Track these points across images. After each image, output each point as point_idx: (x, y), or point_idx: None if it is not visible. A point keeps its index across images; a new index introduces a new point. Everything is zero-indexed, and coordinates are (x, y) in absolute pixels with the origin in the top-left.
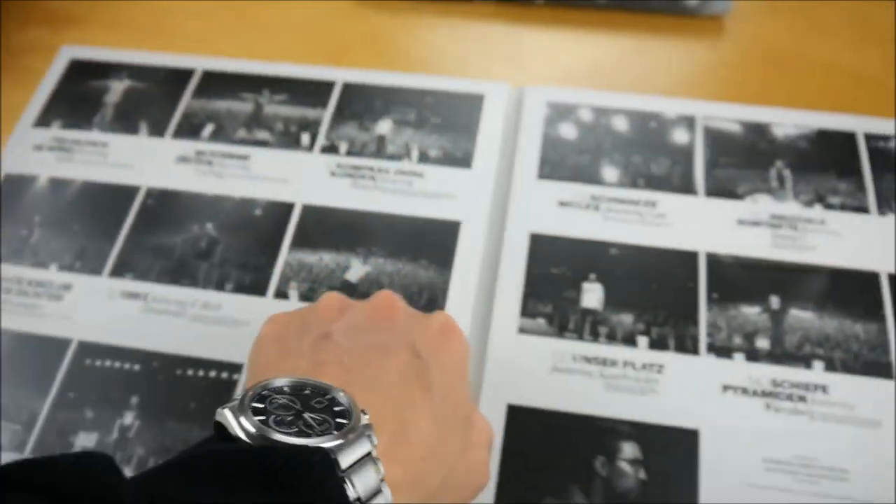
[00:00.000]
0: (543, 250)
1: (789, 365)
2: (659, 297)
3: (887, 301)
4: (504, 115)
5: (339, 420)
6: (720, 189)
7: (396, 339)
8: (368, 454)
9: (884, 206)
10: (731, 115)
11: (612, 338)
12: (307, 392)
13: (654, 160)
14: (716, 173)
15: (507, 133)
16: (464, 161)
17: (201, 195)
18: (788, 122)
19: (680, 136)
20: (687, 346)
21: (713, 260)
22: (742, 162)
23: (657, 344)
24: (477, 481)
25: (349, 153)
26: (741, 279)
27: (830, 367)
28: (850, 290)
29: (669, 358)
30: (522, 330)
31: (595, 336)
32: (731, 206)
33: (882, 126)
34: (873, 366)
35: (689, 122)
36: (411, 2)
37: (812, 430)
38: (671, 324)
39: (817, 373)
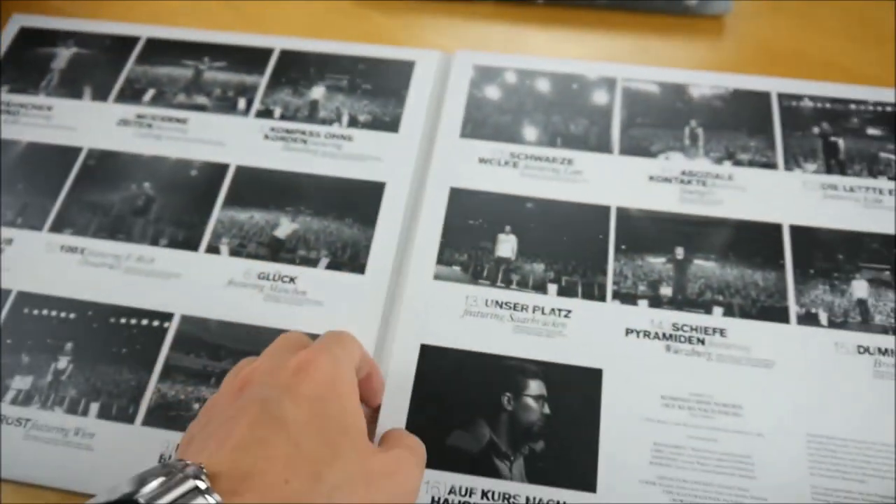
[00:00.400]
0: (462, 204)
1: (690, 310)
2: (570, 249)
3: (787, 250)
4: (433, 81)
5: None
6: (634, 147)
7: (248, 400)
8: (195, 489)
9: (791, 163)
10: (649, 77)
11: (523, 285)
12: None
13: (573, 120)
14: (631, 132)
15: (435, 97)
16: (392, 125)
17: (140, 156)
18: (705, 82)
19: (600, 97)
20: (594, 293)
21: (623, 214)
22: (658, 121)
23: (566, 291)
24: (399, 484)
25: (283, 117)
26: (649, 232)
27: (729, 312)
28: (753, 242)
29: (577, 304)
30: (438, 276)
31: (508, 283)
32: (644, 163)
33: (795, 86)
34: (770, 311)
35: (610, 83)
36: (411, 2)
37: (709, 369)
38: (580, 273)
39: (716, 318)
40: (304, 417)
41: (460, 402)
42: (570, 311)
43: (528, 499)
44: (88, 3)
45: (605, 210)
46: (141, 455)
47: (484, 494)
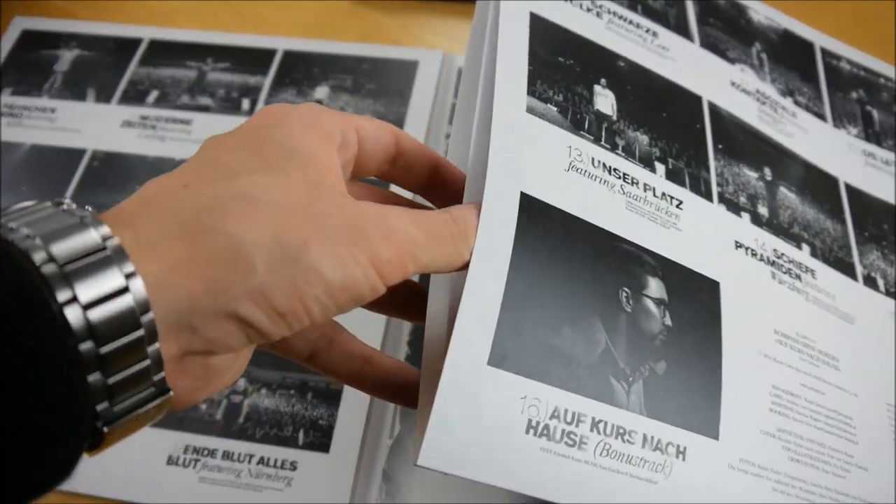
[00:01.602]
0: (546, 35)
1: (785, 240)
2: (671, 128)
3: (846, 207)
4: (436, 80)
5: None
6: (713, 45)
7: None
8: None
9: (838, 121)
10: None
11: (630, 154)
12: None
13: None
14: (707, 29)
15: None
16: (396, 124)
17: (144, 157)
18: (761, 11)
19: None
20: (701, 188)
21: (715, 111)
22: (728, 29)
23: (674, 177)
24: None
25: None
26: (739, 140)
27: (814, 253)
28: (820, 187)
29: (687, 195)
30: (532, 110)
31: (613, 146)
32: (724, 66)
33: (834, 45)
34: (842, 264)
35: None
36: (410, 2)
37: (809, 311)
38: (685, 160)
39: (806, 255)
40: (232, 141)
41: (571, 289)
42: (681, 202)
43: (645, 438)
44: (91, 5)
45: (697, 100)
46: (147, 456)
47: (594, 425)
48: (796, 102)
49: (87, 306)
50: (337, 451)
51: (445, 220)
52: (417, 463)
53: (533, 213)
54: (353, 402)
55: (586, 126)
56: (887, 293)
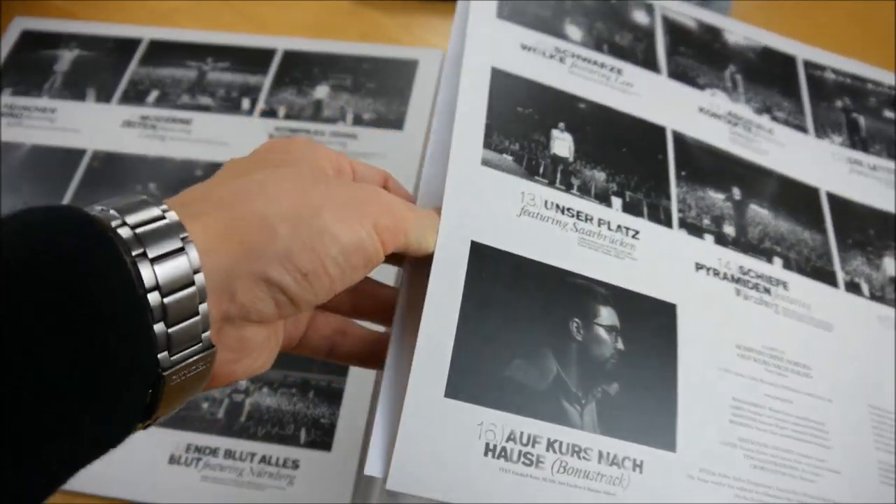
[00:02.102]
0: (507, 88)
1: (753, 256)
2: (630, 162)
3: (827, 216)
4: (437, 79)
5: None
6: (682, 74)
7: None
8: (159, 218)
9: (820, 131)
10: (686, 11)
11: (585, 191)
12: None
13: (617, 31)
14: (677, 59)
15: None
16: (396, 123)
17: (145, 157)
18: (738, 31)
19: (640, 17)
20: (660, 216)
21: (680, 139)
22: (699, 56)
23: (631, 208)
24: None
25: (287, 117)
26: (705, 163)
27: (787, 265)
28: (797, 199)
29: (644, 225)
30: (487, 162)
31: (568, 186)
32: (693, 93)
33: (818, 56)
34: (822, 272)
35: (649, 7)
36: (410, 2)
37: (777, 322)
38: (644, 191)
39: (777, 268)
40: (246, 159)
41: (521, 324)
42: (637, 232)
43: (601, 454)
44: (91, 5)
45: (660, 130)
46: (150, 455)
47: (550, 445)
48: (774, 118)
49: (154, 261)
50: (339, 449)
51: (428, 212)
52: (387, 487)
53: (483, 258)
54: (355, 400)
55: (541, 171)
56: (872, 297)
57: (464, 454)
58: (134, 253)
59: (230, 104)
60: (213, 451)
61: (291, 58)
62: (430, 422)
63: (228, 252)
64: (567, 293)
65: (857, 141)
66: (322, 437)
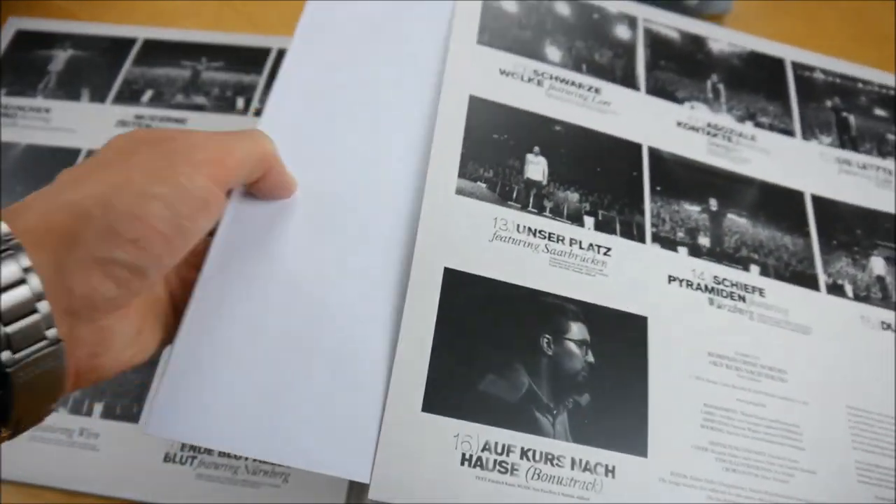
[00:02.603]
0: (483, 115)
1: (729, 265)
2: (604, 181)
3: (811, 219)
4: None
5: None
6: (661, 90)
7: None
8: None
9: (808, 133)
10: (670, 22)
11: (557, 213)
12: None
13: (596, 50)
14: (657, 74)
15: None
16: None
17: None
18: (723, 38)
19: (622, 31)
20: (633, 233)
21: (656, 154)
22: (680, 69)
23: (603, 226)
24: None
25: None
26: (682, 177)
27: (765, 272)
28: (779, 205)
29: (616, 242)
30: (461, 191)
31: (540, 209)
32: (671, 107)
33: (807, 57)
34: (802, 276)
35: (631, 21)
36: None
37: (752, 329)
38: (617, 209)
39: (754, 276)
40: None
41: (493, 342)
42: (609, 249)
43: (573, 461)
44: (90, 5)
45: (636, 147)
46: (144, 453)
47: (524, 454)
48: (758, 124)
49: None
50: None
51: (248, 131)
52: (370, 497)
53: (456, 283)
54: None
55: (514, 196)
56: (856, 298)
57: (442, 464)
58: None
59: (225, 104)
60: (209, 449)
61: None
62: (409, 435)
63: (52, 247)
64: (538, 311)
65: (847, 140)
66: None
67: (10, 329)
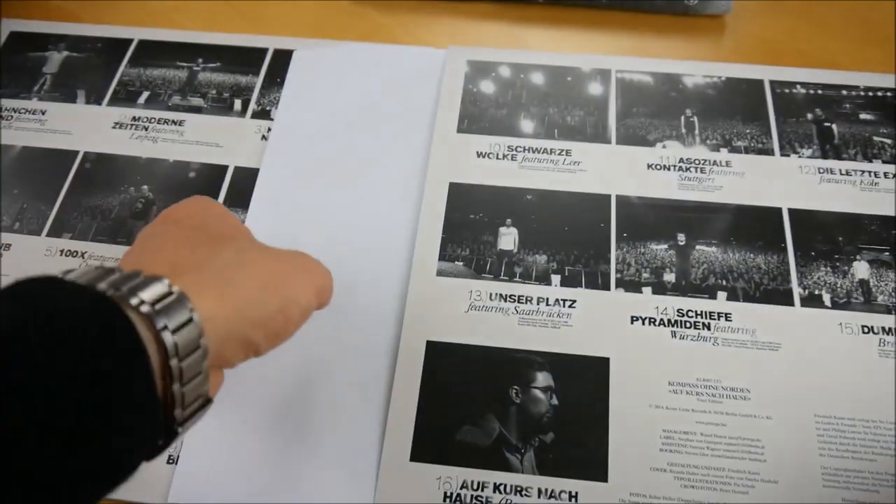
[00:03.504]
0: (462, 198)
1: (694, 296)
2: (572, 238)
3: (788, 233)
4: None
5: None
6: (631, 137)
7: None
8: (169, 294)
9: (786, 148)
10: (643, 68)
11: (526, 277)
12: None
13: (569, 112)
14: (627, 122)
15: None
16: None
17: (137, 158)
18: (698, 72)
19: (595, 88)
20: (598, 282)
21: (623, 202)
22: (653, 111)
23: (569, 281)
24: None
25: None
26: (650, 219)
27: (733, 296)
28: (754, 226)
29: (581, 294)
30: (441, 273)
31: (511, 276)
32: (641, 152)
33: (787, 74)
34: (774, 293)
35: (605, 75)
36: (411, 2)
37: (716, 354)
38: (583, 262)
39: (721, 302)
40: (181, 226)
41: (468, 397)
42: (574, 301)
43: (539, 490)
44: (89, 5)
45: (605, 199)
46: None
47: (496, 488)
48: (733, 149)
49: (174, 331)
50: None
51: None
52: None
53: (437, 352)
54: None
55: (487, 268)
56: (834, 306)
57: (428, 502)
58: (158, 325)
59: (222, 105)
60: None
61: (282, 57)
62: (400, 480)
63: (224, 319)
64: (508, 366)
65: (830, 149)
66: None
67: (185, 388)
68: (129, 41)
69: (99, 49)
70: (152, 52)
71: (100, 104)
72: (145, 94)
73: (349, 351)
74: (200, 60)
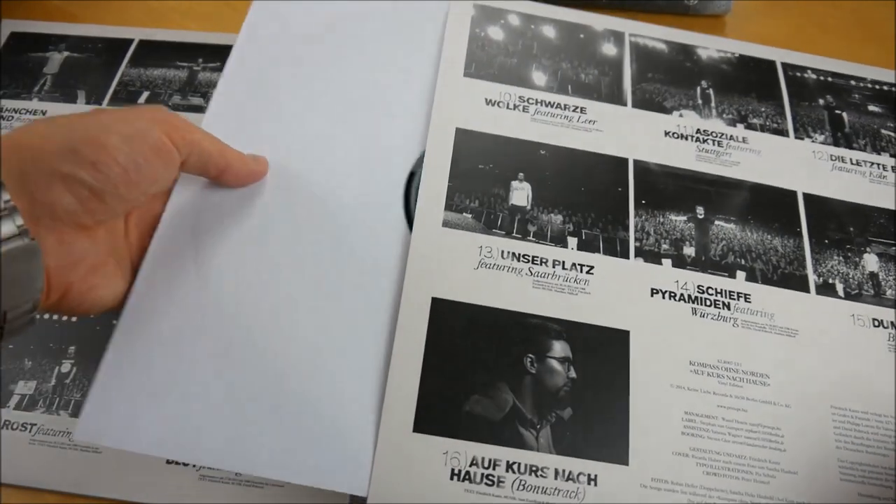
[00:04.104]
0: (470, 147)
1: (714, 273)
2: (588, 200)
3: (803, 218)
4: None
5: None
6: (648, 102)
7: None
8: None
9: (800, 131)
10: (657, 35)
11: (541, 237)
12: None
13: (583, 69)
14: (644, 86)
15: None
16: None
17: None
18: (712, 45)
19: (608, 49)
20: (616, 249)
21: (641, 167)
22: (668, 79)
23: (586, 245)
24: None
25: None
26: (668, 188)
27: (752, 277)
28: (770, 206)
29: (599, 260)
30: (447, 223)
31: (524, 234)
32: (658, 118)
33: (798, 58)
34: (790, 278)
35: (618, 37)
36: None
37: (736, 336)
38: (600, 227)
39: (740, 282)
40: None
41: (478, 364)
42: (592, 268)
43: (556, 471)
44: (88, 5)
45: (622, 162)
46: (149, 458)
47: (509, 467)
48: (749, 126)
49: None
50: None
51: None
52: None
53: (443, 311)
54: None
55: (499, 223)
56: (847, 296)
57: (432, 479)
58: None
59: None
60: None
61: None
62: (402, 453)
63: (18, 159)
64: (522, 332)
65: (841, 137)
66: None
67: None
68: (129, 41)
69: (99, 49)
70: (152, 52)
71: (100, 104)
72: (145, 94)
73: (342, 303)
74: (200, 60)
